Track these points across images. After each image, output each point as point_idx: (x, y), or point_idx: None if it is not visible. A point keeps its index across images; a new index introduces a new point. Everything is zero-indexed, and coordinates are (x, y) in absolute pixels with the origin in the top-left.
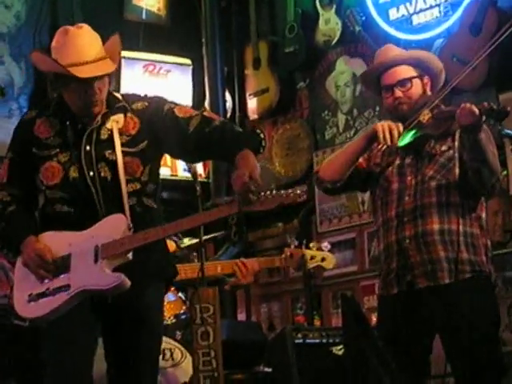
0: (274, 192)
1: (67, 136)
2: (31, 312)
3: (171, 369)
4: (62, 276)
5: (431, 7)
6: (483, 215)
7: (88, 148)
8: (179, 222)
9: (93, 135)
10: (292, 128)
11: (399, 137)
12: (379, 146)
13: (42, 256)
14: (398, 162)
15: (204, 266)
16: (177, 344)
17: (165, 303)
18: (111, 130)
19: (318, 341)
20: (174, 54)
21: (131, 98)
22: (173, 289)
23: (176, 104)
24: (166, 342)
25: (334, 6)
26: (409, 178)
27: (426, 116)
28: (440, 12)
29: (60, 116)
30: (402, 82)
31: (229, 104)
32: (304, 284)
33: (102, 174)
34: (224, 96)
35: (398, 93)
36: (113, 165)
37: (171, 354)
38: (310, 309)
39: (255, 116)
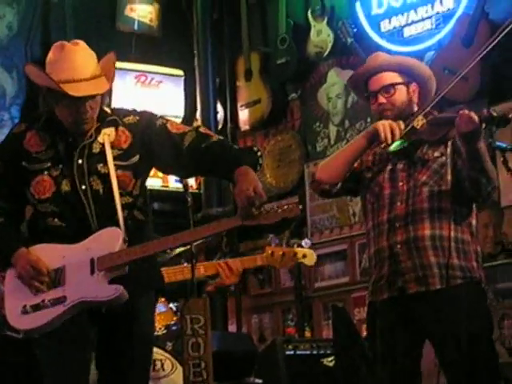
0: (276, 207)
1: (58, 150)
2: (26, 324)
3: (162, 380)
4: (57, 288)
5: (423, 19)
6: (474, 222)
7: (80, 161)
8: (179, 235)
9: (85, 149)
10: (283, 139)
11: (400, 135)
12: (381, 145)
13: (36, 268)
14: (389, 167)
15: (187, 267)
16: (167, 355)
17: (156, 314)
18: (103, 144)
19: (308, 352)
20: (166, 65)
21: (122, 112)
22: (163, 299)
23: (167, 119)
24: (157, 353)
25: (326, 18)
26: (400, 184)
27: (419, 122)
28: (432, 24)
29: (50, 130)
30: (386, 88)
31: (220, 115)
32: (295, 295)
33: (94, 187)
34: (215, 107)
35: (381, 99)
36: (105, 178)
37: (162, 365)
38: (300, 320)
39: (247, 127)
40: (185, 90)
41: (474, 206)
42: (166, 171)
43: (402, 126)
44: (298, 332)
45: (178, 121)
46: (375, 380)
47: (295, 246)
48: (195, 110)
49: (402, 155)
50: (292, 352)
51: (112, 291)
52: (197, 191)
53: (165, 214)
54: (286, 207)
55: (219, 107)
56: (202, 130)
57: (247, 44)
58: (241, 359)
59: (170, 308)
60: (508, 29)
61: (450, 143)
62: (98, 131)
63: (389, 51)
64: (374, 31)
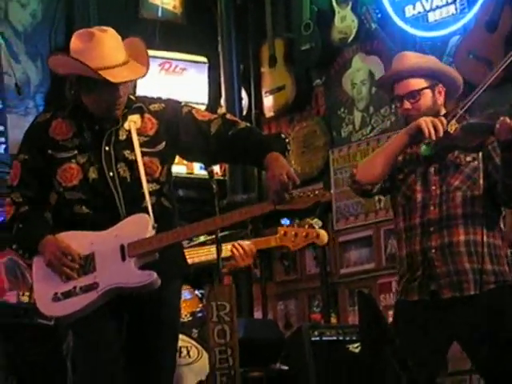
0: (307, 192)
1: (85, 137)
2: (58, 311)
3: (188, 366)
4: (88, 275)
5: (447, 4)
6: (502, 226)
7: (107, 148)
8: (210, 220)
9: (111, 136)
10: (308, 126)
11: (443, 130)
12: (425, 141)
13: (66, 254)
14: (421, 170)
15: (199, 251)
16: (193, 342)
17: (181, 301)
18: (129, 131)
19: (334, 338)
20: (190, 52)
21: (147, 100)
22: (189, 286)
23: (193, 107)
24: (183, 340)
25: (350, 4)
26: (433, 188)
27: (453, 126)
28: (456, 9)
29: (77, 118)
30: (412, 94)
31: (245, 102)
32: (321, 282)
33: (122, 174)
34: (240, 94)
35: (407, 104)
36: (132, 165)
37: (188, 352)
38: (326, 306)
39: (271, 114)
40: (209, 76)
41: (502, 210)
42: (192, 158)
43: (445, 122)
44: (323, 318)
45: (202, 108)
46: (402, 366)
47: (307, 226)
48: (219, 96)
49: (434, 159)
50: (318, 338)
51: (145, 277)
52: (222, 178)
53: (190, 201)
54: (317, 192)
55: (243, 94)
56: (228, 116)
57: (271, 30)
58: (267, 346)
59: (196, 295)
60: None
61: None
62: (124, 118)
63: (413, 36)
64: (399, 16)
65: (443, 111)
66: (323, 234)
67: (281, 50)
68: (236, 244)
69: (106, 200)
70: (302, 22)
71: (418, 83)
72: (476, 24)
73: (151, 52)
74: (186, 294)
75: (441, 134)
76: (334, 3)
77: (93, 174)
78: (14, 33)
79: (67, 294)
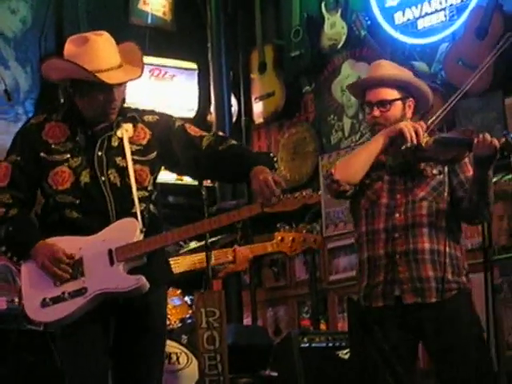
0: (297, 194)
1: (78, 141)
2: (46, 317)
3: (177, 373)
4: (77, 280)
5: (437, 11)
6: (462, 240)
7: (100, 153)
8: (199, 223)
9: (104, 141)
10: (298, 132)
11: (423, 135)
12: (403, 147)
13: (59, 257)
14: (387, 177)
15: (197, 258)
16: (183, 348)
17: (170, 307)
18: (121, 138)
19: (324, 345)
20: (180, 59)
21: (141, 111)
22: (178, 293)
23: (185, 122)
24: (172, 346)
25: (340, 10)
26: (398, 196)
27: (424, 139)
28: (445, 16)
29: (70, 122)
30: (382, 103)
31: (234, 108)
32: (310, 288)
33: (112, 180)
34: (230, 100)
35: (376, 112)
36: (123, 171)
37: (177, 358)
38: (315, 313)
39: (261, 120)
40: (199, 83)
41: (461, 225)
42: (180, 171)
43: (425, 127)
44: (313, 324)
45: (192, 114)
46: (391, 372)
47: (304, 231)
48: (209, 103)
49: (400, 168)
50: (307, 344)
51: (133, 281)
52: (211, 185)
53: (180, 208)
54: (305, 194)
55: (233, 100)
56: (219, 133)
57: (261, 37)
58: (256, 352)
59: (185, 301)
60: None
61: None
62: (117, 125)
63: (403, 43)
64: (388, 23)
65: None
66: (320, 239)
67: (270, 57)
68: (230, 250)
69: (97, 204)
70: (291, 29)
71: (391, 93)
72: (465, 31)
73: None
74: (175, 300)
75: (421, 138)
76: (324, 10)
77: (85, 178)
78: (4, 39)
79: (56, 300)
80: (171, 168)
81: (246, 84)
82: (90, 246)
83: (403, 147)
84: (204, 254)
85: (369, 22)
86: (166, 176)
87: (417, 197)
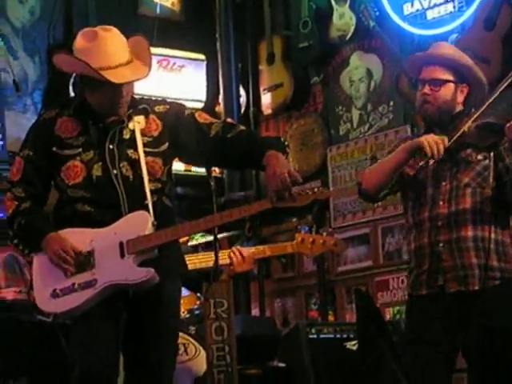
0: (307, 189)
1: (90, 135)
2: (56, 307)
3: (185, 363)
4: (87, 272)
5: (445, 2)
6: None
7: (111, 147)
8: (210, 217)
9: (116, 135)
10: (306, 123)
11: (444, 150)
12: (422, 162)
13: (68, 250)
14: (432, 165)
15: (200, 258)
16: (191, 339)
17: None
18: (133, 131)
19: (331, 336)
20: (188, 49)
21: (152, 101)
22: None
23: (196, 110)
24: (180, 337)
25: (348, 1)
26: (443, 183)
27: (467, 124)
28: (454, 7)
29: (82, 116)
30: (434, 82)
31: (243, 99)
32: (318, 279)
33: (124, 173)
34: (238, 91)
35: (427, 89)
36: (134, 164)
37: (185, 349)
38: (323, 304)
39: (269, 111)
40: (207, 74)
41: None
42: (190, 159)
43: (446, 141)
44: (321, 316)
45: (200, 105)
46: (399, 364)
47: (325, 233)
48: (217, 94)
49: (445, 155)
50: (315, 336)
51: (143, 273)
52: (219, 175)
53: (188, 199)
54: (316, 189)
55: (242, 91)
56: (228, 120)
57: (269, 28)
58: (264, 343)
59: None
60: None
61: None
62: (129, 118)
63: (411, 34)
64: (397, 14)
65: (459, 109)
66: (341, 243)
67: (279, 48)
68: (234, 249)
69: (109, 197)
70: (300, 20)
71: (445, 74)
72: (474, 22)
73: None
74: (183, 291)
75: (441, 154)
76: (333, 1)
77: (97, 172)
78: (12, 29)
79: (66, 291)
80: (182, 156)
81: (255, 75)
82: (101, 239)
83: (422, 163)
84: (204, 253)
85: (377, 13)
86: (174, 166)
87: (461, 183)
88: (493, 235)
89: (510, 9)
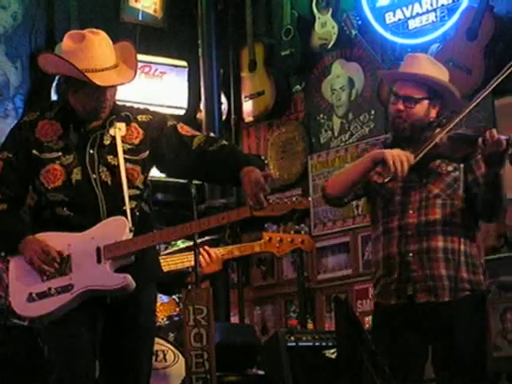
0: (285, 198)
1: (71, 139)
2: (32, 311)
3: (164, 370)
4: (64, 276)
5: (427, 11)
6: (479, 236)
7: (91, 151)
8: (187, 225)
9: (96, 139)
10: (287, 131)
11: (408, 167)
12: (386, 179)
13: (47, 252)
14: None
15: (169, 259)
16: (169, 345)
17: (158, 304)
18: (114, 137)
19: (310, 344)
20: (170, 56)
21: (135, 110)
22: None
23: (178, 122)
24: (159, 344)
25: (331, 10)
26: (413, 193)
27: (439, 135)
28: (436, 17)
29: (63, 119)
30: (409, 99)
31: (224, 106)
32: (298, 287)
33: (103, 178)
34: (219, 98)
35: (401, 106)
36: (114, 170)
37: (164, 356)
38: (303, 312)
39: (250, 118)
40: (189, 81)
41: (480, 221)
42: (169, 171)
43: (412, 159)
44: (300, 324)
45: (182, 112)
46: (378, 372)
47: (292, 232)
48: (199, 101)
49: (415, 166)
50: (294, 344)
51: (120, 280)
52: (200, 183)
53: (168, 205)
54: (294, 199)
55: (223, 98)
56: (211, 134)
57: (251, 35)
58: (243, 350)
59: (173, 299)
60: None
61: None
62: (110, 124)
63: (393, 43)
64: (379, 23)
65: (430, 121)
66: (309, 240)
67: (261, 55)
68: (202, 250)
69: (88, 202)
70: (282, 28)
71: (420, 92)
72: (456, 32)
73: None
74: (163, 297)
75: (405, 172)
76: (315, 9)
77: (76, 176)
78: None
79: (42, 295)
80: (162, 168)
81: (236, 82)
82: (78, 243)
83: (386, 179)
84: (178, 256)
85: (359, 22)
86: (154, 173)
87: (431, 193)
88: (462, 247)
89: (492, 19)
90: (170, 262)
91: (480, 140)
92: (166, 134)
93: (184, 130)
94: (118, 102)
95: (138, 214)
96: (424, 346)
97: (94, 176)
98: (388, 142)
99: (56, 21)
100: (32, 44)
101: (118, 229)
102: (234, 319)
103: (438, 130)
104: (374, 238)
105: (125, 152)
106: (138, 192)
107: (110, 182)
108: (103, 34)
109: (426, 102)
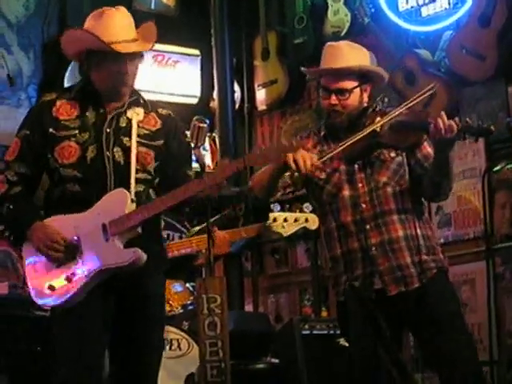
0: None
1: (88, 117)
2: (53, 300)
3: (178, 359)
4: (76, 260)
5: None
6: (427, 216)
7: (108, 130)
8: (175, 192)
9: (113, 120)
10: (300, 119)
11: (312, 166)
12: (289, 174)
13: (54, 239)
14: (343, 167)
15: (179, 243)
16: (184, 334)
17: (172, 293)
18: (130, 120)
19: (325, 332)
20: (183, 45)
21: (157, 103)
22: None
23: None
24: (173, 332)
25: None
26: (360, 185)
27: (379, 124)
28: (449, 3)
29: (83, 99)
30: (341, 91)
31: (237, 95)
32: (312, 275)
33: (116, 158)
34: (232, 87)
35: (334, 100)
36: (127, 151)
37: (178, 344)
38: (317, 300)
39: (263, 107)
40: (201, 69)
41: (425, 201)
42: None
43: (315, 160)
44: (314, 312)
45: (195, 100)
46: (392, 358)
47: (298, 210)
48: (212, 89)
49: (357, 156)
50: (308, 332)
51: (130, 255)
52: (213, 171)
53: None
54: (285, 143)
55: (236, 87)
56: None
57: (264, 24)
58: (257, 339)
59: (187, 287)
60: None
61: None
62: (129, 106)
63: (406, 31)
64: (392, 11)
65: (364, 106)
66: (313, 217)
67: (274, 44)
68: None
69: (98, 178)
70: (295, 16)
71: (350, 83)
72: (469, 19)
73: None
74: (176, 286)
75: (308, 169)
76: None
77: (91, 153)
78: (7, 24)
79: (59, 282)
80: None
81: (249, 71)
82: (84, 224)
83: (290, 175)
84: (197, 237)
85: (372, 10)
86: None
87: (379, 183)
88: (419, 231)
89: (505, 5)
90: (178, 246)
91: (432, 127)
92: (178, 137)
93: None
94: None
95: (144, 198)
96: (398, 333)
97: (108, 154)
98: (322, 133)
99: (68, 10)
100: (44, 33)
101: (119, 202)
102: (248, 308)
103: (378, 118)
104: (325, 234)
105: (140, 136)
106: (149, 177)
107: (122, 163)
108: (123, 10)
109: (357, 90)
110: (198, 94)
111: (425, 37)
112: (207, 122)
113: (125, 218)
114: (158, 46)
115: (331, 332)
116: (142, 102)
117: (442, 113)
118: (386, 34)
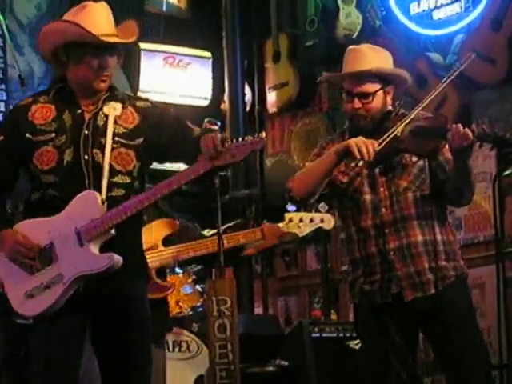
0: (241, 140)
1: (64, 120)
2: (32, 309)
3: (188, 360)
4: (52, 266)
5: (452, 2)
6: (450, 221)
7: (86, 132)
8: (156, 187)
9: (91, 120)
10: (311, 122)
11: (374, 152)
12: (353, 164)
13: (25, 245)
14: (365, 171)
15: (228, 237)
16: (193, 336)
17: (182, 295)
18: (107, 116)
19: (334, 335)
20: (194, 47)
21: (133, 96)
22: (190, 281)
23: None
24: (183, 334)
25: (355, 1)
26: (381, 189)
27: (400, 129)
28: (461, 7)
29: (59, 102)
30: (364, 95)
31: (248, 97)
32: (321, 278)
33: (96, 159)
34: (243, 89)
35: (357, 103)
36: (105, 151)
37: (187, 347)
38: (326, 303)
39: (274, 109)
40: (213, 71)
41: (448, 207)
42: (169, 159)
43: (376, 145)
44: (324, 314)
45: (206, 102)
46: (401, 362)
47: (313, 210)
48: (223, 91)
49: (379, 160)
50: (318, 334)
51: (106, 261)
52: (224, 173)
53: (192, 196)
54: (250, 140)
55: (247, 89)
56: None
57: (276, 26)
58: (267, 341)
59: (197, 289)
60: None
61: None
62: (104, 102)
63: (417, 34)
64: (403, 14)
65: (388, 109)
66: (328, 217)
67: (285, 46)
68: (264, 225)
69: (75, 183)
70: (306, 18)
71: (373, 86)
72: (481, 23)
73: (156, 46)
74: (186, 288)
75: (371, 156)
76: (339, 0)
77: (68, 157)
78: (19, 25)
79: (37, 291)
80: (162, 157)
81: (260, 73)
82: (57, 228)
83: (353, 164)
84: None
85: (384, 13)
86: (178, 164)
87: (400, 188)
88: (439, 237)
89: None
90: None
91: (448, 136)
92: (169, 118)
93: (187, 121)
94: (139, 93)
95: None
96: (414, 338)
97: (86, 157)
98: (346, 137)
99: None
100: None
101: (89, 204)
102: (258, 310)
103: (398, 122)
104: (345, 238)
105: (119, 135)
106: (129, 180)
107: (102, 164)
108: (103, 3)
109: (380, 92)
110: (209, 96)
111: (436, 40)
112: (218, 124)
113: (97, 223)
114: (169, 48)
115: (341, 335)
116: (119, 96)
117: (459, 124)
118: (398, 37)
